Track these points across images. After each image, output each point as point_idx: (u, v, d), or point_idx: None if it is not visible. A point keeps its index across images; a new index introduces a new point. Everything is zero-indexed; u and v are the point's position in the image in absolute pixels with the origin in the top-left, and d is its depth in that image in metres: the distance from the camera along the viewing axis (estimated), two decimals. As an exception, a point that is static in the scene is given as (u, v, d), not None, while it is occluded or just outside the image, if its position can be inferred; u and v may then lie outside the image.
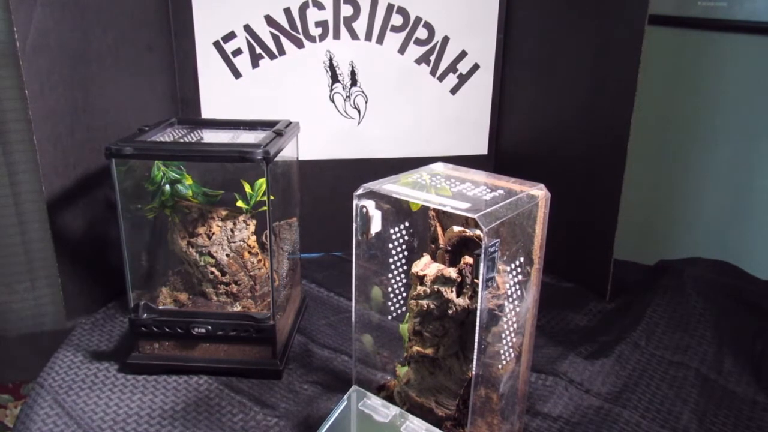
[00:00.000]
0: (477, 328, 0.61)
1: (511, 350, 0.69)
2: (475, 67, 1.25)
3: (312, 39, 1.18)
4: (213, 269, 0.92)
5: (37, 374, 0.90)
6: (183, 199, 0.93)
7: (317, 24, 1.18)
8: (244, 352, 0.91)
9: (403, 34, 1.21)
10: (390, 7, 1.19)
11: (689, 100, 1.43)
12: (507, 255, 0.64)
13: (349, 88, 1.22)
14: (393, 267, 0.76)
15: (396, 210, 0.72)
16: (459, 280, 0.67)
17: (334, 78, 1.21)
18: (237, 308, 0.93)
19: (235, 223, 0.94)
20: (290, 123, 0.98)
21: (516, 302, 0.68)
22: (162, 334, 0.89)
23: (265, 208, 0.86)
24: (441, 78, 1.25)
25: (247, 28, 1.16)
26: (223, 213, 0.94)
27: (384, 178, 0.70)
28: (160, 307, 0.91)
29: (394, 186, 0.68)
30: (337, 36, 1.19)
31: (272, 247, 0.89)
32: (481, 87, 1.27)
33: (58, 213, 0.98)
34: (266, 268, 0.95)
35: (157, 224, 0.94)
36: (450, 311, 0.66)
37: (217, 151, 0.83)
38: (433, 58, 1.23)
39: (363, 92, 1.23)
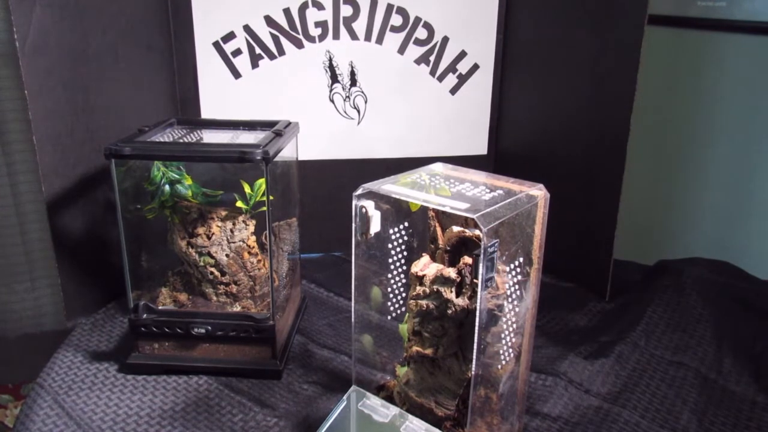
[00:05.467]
0: (476, 328, 0.61)
1: (510, 350, 0.69)
2: (475, 67, 1.25)
3: (311, 39, 1.18)
4: (212, 269, 0.92)
5: (37, 374, 0.90)
6: (182, 200, 0.93)
7: (317, 24, 1.18)
8: (243, 353, 0.91)
9: (402, 34, 1.21)
10: (389, 7, 1.19)
11: (689, 100, 1.43)
12: (506, 255, 0.64)
13: (349, 88, 1.22)
14: (392, 267, 0.76)
15: (395, 210, 0.72)
16: (458, 280, 0.67)
17: (334, 78, 1.21)
18: (237, 308, 0.93)
19: (234, 224, 0.94)
20: (290, 123, 0.98)
21: (515, 302, 0.68)
22: (162, 334, 0.89)
23: (265, 208, 0.86)
24: (440, 78, 1.25)
25: (247, 29, 1.16)
26: (223, 213, 0.94)
27: (383, 179, 0.70)
28: (160, 308, 0.91)
29: (393, 186, 0.68)
30: (336, 36, 1.19)
31: (272, 247, 0.89)
32: (481, 87, 1.27)
33: (58, 213, 0.98)
34: (266, 269, 0.95)
35: (157, 225, 0.94)
36: (449, 311, 0.67)
37: (217, 152, 0.83)
38: (432, 58, 1.23)
39: (362, 92, 1.23)
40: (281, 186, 0.95)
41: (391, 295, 0.77)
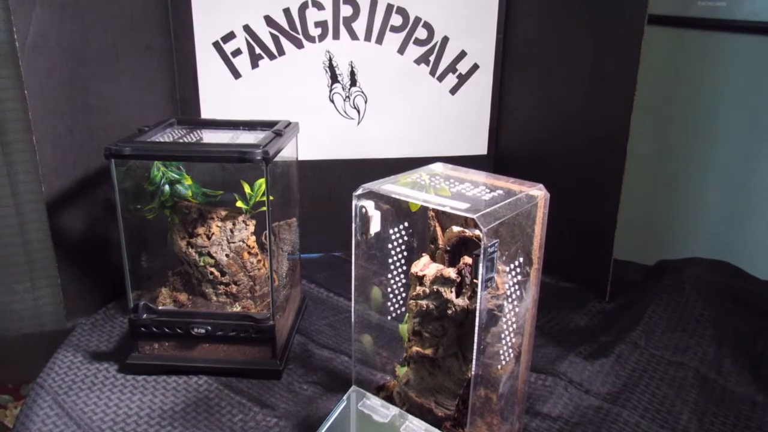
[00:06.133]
0: (476, 328, 0.61)
1: (510, 350, 0.69)
2: (475, 67, 1.25)
3: (311, 39, 1.18)
4: (212, 269, 0.92)
5: (37, 374, 0.90)
6: (182, 200, 0.93)
7: (317, 24, 1.18)
8: (243, 353, 0.91)
9: (402, 34, 1.21)
10: (389, 7, 1.19)
11: (689, 100, 1.43)
12: (506, 255, 0.64)
13: (349, 89, 1.22)
14: (392, 267, 0.76)
15: (395, 210, 0.72)
16: (458, 280, 0.67)
17: (334, 78, 1.21)
18: (236, 308, 0.93)
19: (234, 224, 0.94)
20: (290, 123, 0.98)
21: (515, 302, 0.68)
22: (161, 334, 0.89)
23: (265, 208, 0.86)
24: (440, 78, 1.25)
25: (247, 29, 1.16)
26: (223, 213, 0.94)
27: (383, 179, 0.70)
28: (160, 308, 0.91)
29: (393, 186, 0.68)
30: (336, 36, 1.19)
31: (272, 247, 0.89)
32: (481, 87, 1.27)
33: (58, 213, 0.98)
34: (266, 269, 0.95)
35: (157, 225, 0.94)
36: (449, 311, 0.67)
37: (217, 152, 0.83)
38: (432, 58, 1.23)
39: (362, 92, 1.23)
40: (281, 186, 0.95)
41: (391, 295, 0.77)
